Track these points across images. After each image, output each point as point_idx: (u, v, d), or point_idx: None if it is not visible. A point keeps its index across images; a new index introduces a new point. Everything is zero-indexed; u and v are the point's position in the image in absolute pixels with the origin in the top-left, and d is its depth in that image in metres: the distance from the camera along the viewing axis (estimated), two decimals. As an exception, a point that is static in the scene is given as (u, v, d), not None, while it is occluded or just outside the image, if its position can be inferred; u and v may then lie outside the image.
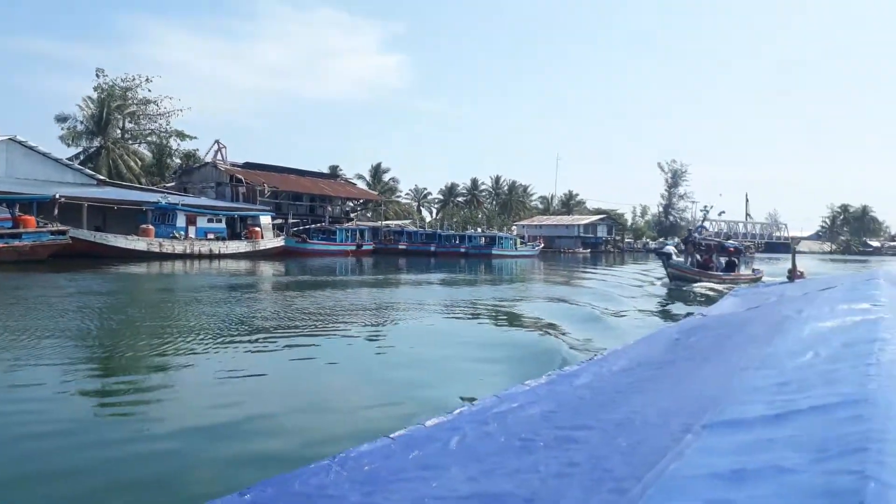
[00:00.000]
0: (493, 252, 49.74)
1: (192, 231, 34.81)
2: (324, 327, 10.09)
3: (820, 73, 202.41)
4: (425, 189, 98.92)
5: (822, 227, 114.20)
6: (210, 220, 36.61)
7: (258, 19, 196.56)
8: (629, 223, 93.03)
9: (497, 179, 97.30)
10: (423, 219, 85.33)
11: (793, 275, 3.70)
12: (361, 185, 74.36)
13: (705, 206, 28.75)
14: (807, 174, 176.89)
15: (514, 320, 11.85)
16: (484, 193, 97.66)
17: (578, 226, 77.26)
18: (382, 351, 8.53)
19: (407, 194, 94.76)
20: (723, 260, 23.66)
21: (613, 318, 12.06)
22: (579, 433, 1.03)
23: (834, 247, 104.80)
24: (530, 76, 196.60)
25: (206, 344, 8.14)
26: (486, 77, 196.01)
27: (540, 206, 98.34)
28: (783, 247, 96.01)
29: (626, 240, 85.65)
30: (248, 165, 51.37)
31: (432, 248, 50.76)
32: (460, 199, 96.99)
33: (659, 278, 23.60)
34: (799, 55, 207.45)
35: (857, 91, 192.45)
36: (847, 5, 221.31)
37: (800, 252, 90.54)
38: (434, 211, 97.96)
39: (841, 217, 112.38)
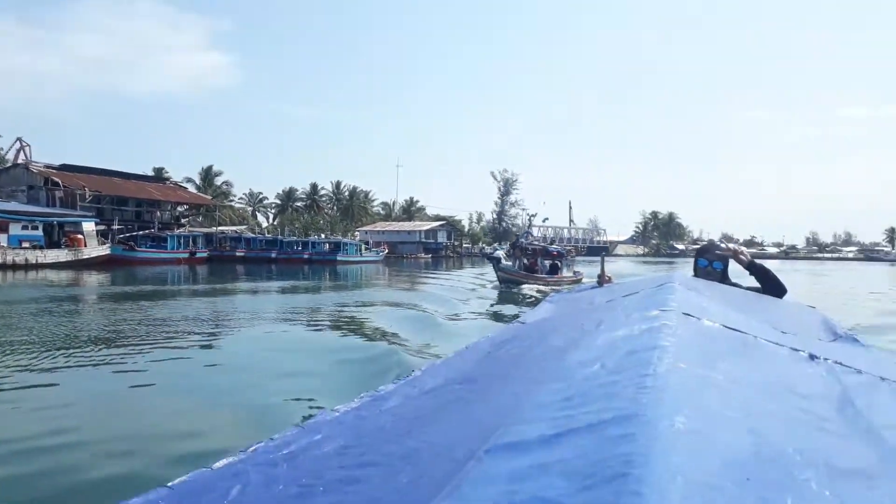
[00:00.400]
0: (338, 258, 50.17)
1: (3, 239, 31.89)
2: (151, 343, 9.39)
3: (632, 87, 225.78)
4: (261, 193, 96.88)
5: (636, 231, 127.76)
6: (25, 227, 33.74)
7: (70, 6, 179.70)
8: (466, 229, 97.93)
9: (338, 184, 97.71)
10: (259, 224, 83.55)
11: (602, 280, 4.35)
12: (191, 188, 71.34)
13: (530, 214, 32.24)
14: (624, 182, 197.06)
15: (355, 327, 11.67)
16: (324, 199, 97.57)
17: (420, 231, 79.96)
18: (212, 367, 8.01)
19: (241, 199, 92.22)
20: (547, 263, 25.49)
21: (449, 322, 12.44)
22: (363, 471, 0.99)
23: (646, 250, 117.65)
24: (369, 80, 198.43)
25: (17, 364, 7.48)
26: (322, 80, 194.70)
27: (382, 211, 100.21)
28: (604, 250, 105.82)
29: (465, 245, 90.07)
30: (66, 167, 47.44)
31: (273, 255, 49.85)
32: (299, 204, 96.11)
33: (491, 281, 24.79)
34: (611, 70, 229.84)
35: (662, 107, 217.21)
36: (658, 18, 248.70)
37: (616, 255, 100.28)
38: (271, 216, 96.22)
39: (652, 223, 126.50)
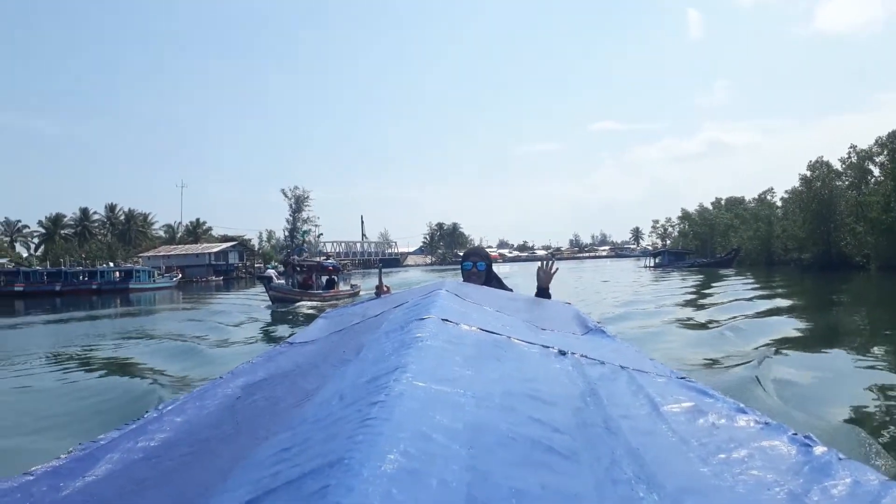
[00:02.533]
0: (131, 286, 51.63)
1: None
2: None
3: (411, 111, 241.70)
4: (20, 221, 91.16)
5: (424, 242, 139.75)
6: None
7: None
8: (257, 248, 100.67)
9: (112, 208, 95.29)
10: (20, 256, 79.18)
11: (379, 290, 6.04)
12: None
13: (303, 231, 36.10)
14: (412, 197, 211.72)
15: (117, 365, 11.18)
16: (97, 224, 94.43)
17: (209, 254, 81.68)
18: None
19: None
20: (324, 279, 26.85)
21: (217, 350, 12.32)
22: None
23: (434, 259, 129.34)
24: (146, 95, 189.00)
25: None
26: (78, 92, 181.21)
27: (164, 235, 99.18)
28: (395, 262, 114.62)
29: (257, 264, 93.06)
30: None
31: (58, 288, 49.89)
32: (67, 231, 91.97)
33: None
34: (394, 92, 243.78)
35: (443, 128, 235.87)
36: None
37: (408, 265, 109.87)
38: (33, 246, 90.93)
39: (438, 233, 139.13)
